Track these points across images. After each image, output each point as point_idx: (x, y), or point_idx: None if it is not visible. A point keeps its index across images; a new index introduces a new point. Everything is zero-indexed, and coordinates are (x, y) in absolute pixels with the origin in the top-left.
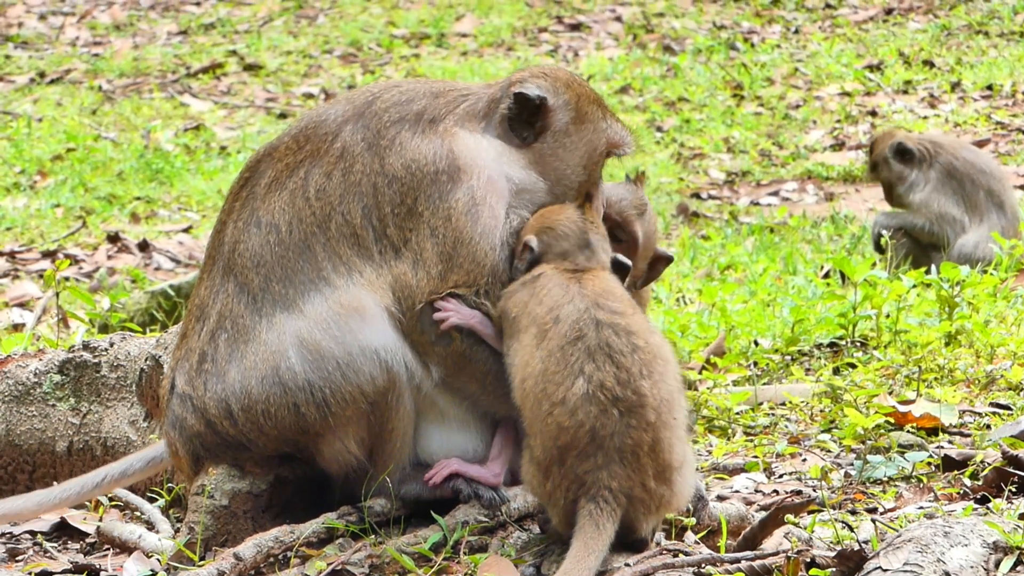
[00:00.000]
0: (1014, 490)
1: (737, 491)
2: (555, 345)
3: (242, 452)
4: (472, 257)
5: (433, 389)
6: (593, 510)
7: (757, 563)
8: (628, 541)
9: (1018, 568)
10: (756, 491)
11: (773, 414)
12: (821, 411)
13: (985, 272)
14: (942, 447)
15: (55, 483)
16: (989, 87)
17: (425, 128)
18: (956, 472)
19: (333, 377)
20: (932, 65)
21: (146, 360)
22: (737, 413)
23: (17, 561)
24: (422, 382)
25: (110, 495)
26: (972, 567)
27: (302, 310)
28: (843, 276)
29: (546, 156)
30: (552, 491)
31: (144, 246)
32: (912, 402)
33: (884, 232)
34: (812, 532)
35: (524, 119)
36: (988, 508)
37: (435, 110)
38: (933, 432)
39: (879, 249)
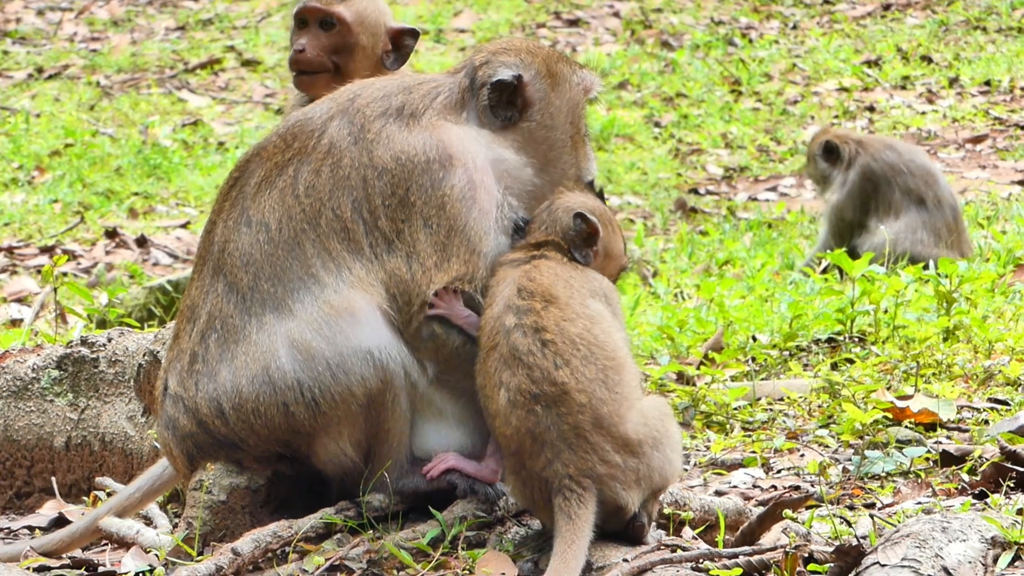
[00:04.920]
0: (1012, 485)
1: (735, 486)
2: (482, 356)
3: (235, 451)
4: (467, 245)
5: (429, 386)
6: (562, 503)
7: (755, 558)
8: (625, 522)
9: (1016, 563)
10: (754, 486)
11: (771, 409)
12: (819, 406)
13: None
14: (940, 442)
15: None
16: (987, 83)
17: (408, 122)
18: (954, 467)
19: (323, 377)
20: (930, 61)
21: (144, 356)
22: (735, 408)
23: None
24: (418, 380)
25: (108, 491)
26: (970, 562)
27: (292, 310)
28: (841, 271)
29: (534, 130)
30: (530, 495)
31: (142, 242)
32: (910, 397)
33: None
34: (810, 527)
35: (504, 101)
36: (986, 503)
37: (413, 105)
38: (931, 427)
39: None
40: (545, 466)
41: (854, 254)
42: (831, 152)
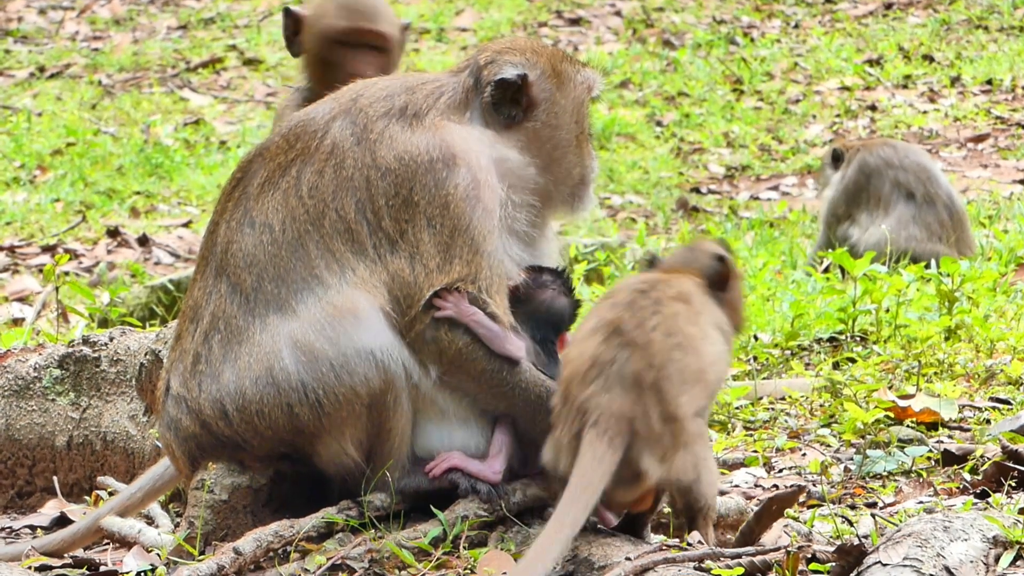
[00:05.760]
0: (1014, 485)
1: (737, 486)
2: (596, 304)
3: (238, 452)
4: (470, 245)
5: (432, 388)
6: (593, 438)
7: (757, 558)
8: (634, 514)
9: (1018, 563)
10: (756, 486)
11: (773, 409)
12: (821, 406)
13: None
14: (942, 442)
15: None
16: (989, 82)
17: (412, 122)
18: (956, 467)
19: (327, 378)
20: (932, 60)
21: (146, 355)
22: (737, 408)
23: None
24: (420, 381)
25: (109, 491)
26: (972, 562)
27: (295, 310)
28: (843, 270)
29: (539, 130)
30: (560, 434)
31: (144, 241)
32: (912, 397)
33: (814, 262)
34: (812, 527)
35: (508, 100)
36: (988, 503)
37: (416, 105)
38: (933, 427)
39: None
40: (591, 397)
41: (845, 248)
42: (838, 160)
